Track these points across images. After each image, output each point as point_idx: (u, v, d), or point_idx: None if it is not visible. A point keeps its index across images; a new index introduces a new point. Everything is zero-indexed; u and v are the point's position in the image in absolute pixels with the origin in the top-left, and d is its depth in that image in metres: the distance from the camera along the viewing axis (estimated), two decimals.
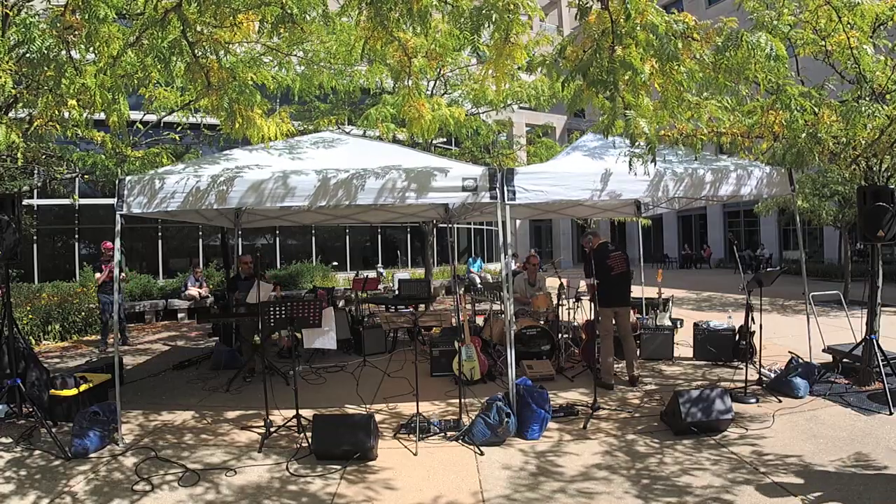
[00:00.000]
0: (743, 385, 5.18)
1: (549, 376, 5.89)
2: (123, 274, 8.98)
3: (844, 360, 5.58)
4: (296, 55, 7.78)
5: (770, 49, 3.38)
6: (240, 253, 8.18)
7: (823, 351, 5.95)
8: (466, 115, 9.04)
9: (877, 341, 5.09)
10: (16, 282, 10.45)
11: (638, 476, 3.60)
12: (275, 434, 4.39)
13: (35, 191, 11.07)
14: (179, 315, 11.61)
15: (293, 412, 4.36)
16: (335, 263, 16.12)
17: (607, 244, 5.87)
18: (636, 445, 4.11)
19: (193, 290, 11.70)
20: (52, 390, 4.83)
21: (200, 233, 15.28)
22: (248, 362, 6.31)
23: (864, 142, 4.76)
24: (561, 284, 6.77)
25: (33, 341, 8.57)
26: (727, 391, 4.44)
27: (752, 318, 5.71)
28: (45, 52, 3.57)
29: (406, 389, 5.53)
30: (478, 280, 15.26)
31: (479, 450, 4.04)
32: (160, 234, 14.76)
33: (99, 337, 8.70)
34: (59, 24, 3.34)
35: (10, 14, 4.20)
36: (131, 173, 5.67)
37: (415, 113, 4.34)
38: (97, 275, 8.45)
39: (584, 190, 4.92)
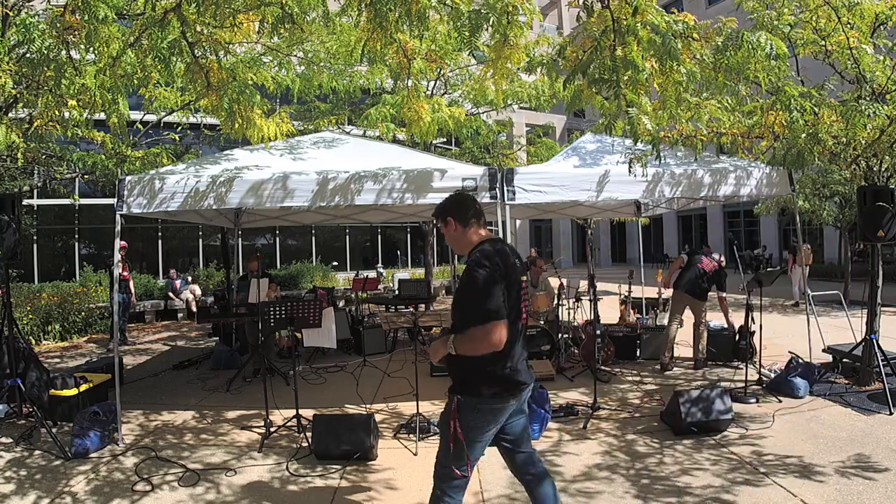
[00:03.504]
0: (743, 385, 5.18)
1: (549, 376, 5.89)
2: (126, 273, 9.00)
3: (844, 360, 5.58)
4: (296, 55, 7.79)
5: (770, 48, 3.38)
6: (240, 253, 8.19)
7: (823, 351, 5.95)
8: (466, 115, 9.04)
9: (877, 341, 5.08)
10: (16, 282, 10.46)
11: (638, 476, 3.60)
12: (275, 434, 4.39)
13: (35, 191, 11.07)
14: (179, 315, 11.62)
15: (293, 412, 4.36)
16: (335, 263, 16.12)
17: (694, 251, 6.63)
18: (636, 445, 4.11)
19: (187, 293, 11.69)
20: (53, 390, 4.84)
21: (200, 233, 15.28)
22: (248, 363, 6.30)
23: (864, 142, 4.76)
24: (561, 284, 6.77)
25: (33, 341, 8.57)
26: (727, 391, 4.44)
27: (752, 318, 5.72)
28: (45, 52, 3.57)
29: (406, 389, 5.53)
30: None
31: None
32: (160, 234, 14.77)
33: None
34: (59, 25, 3.34)
35: (10, 14, 4.21)
36: (131, 173, 5.67)
37: (414, 115, 4.35)
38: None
39: (584, 191, 4.94)
